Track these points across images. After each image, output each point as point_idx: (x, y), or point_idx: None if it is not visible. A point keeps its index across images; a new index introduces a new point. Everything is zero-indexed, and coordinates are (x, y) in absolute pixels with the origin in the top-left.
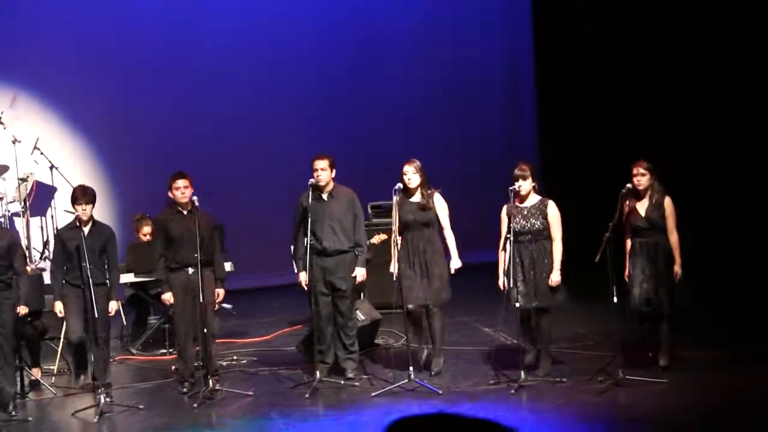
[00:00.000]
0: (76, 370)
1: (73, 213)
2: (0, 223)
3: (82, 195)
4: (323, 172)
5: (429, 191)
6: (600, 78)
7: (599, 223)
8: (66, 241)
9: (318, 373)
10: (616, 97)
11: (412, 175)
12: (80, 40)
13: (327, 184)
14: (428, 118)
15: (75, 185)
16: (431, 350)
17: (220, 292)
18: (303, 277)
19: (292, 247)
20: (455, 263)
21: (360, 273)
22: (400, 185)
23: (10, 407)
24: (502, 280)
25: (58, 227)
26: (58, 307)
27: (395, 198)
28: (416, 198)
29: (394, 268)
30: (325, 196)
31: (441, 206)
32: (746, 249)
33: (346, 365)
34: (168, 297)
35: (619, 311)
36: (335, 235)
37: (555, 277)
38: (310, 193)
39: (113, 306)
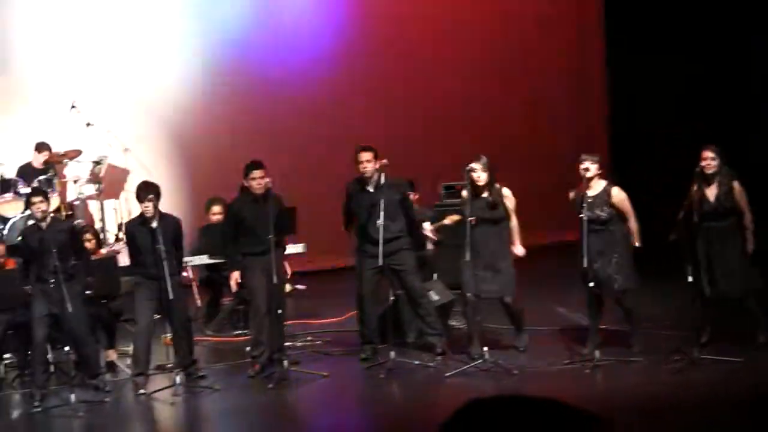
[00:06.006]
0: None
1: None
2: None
3: (145, 192)
4: (368, 163)
5: (497, 187)
6: (672, 62)
7: (671, 206)
8: (137, 237)
9: (392, 353)
10: (687, 82)
11: (481, 173)
12: (156, 24)
13: (372, 175)
14: (496, 107)
15: (140, 181)
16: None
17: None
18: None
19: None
20: (518, 250)
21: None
22: (471, 165)
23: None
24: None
25: (132, 211)
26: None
27: (464, 193)
28: (484, 195)
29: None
30: (371, 187)
31: (509, 199)
32: None
33: (433, 340)
34: (236, 276)
35: (694, 291)
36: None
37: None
38: (357, 183)
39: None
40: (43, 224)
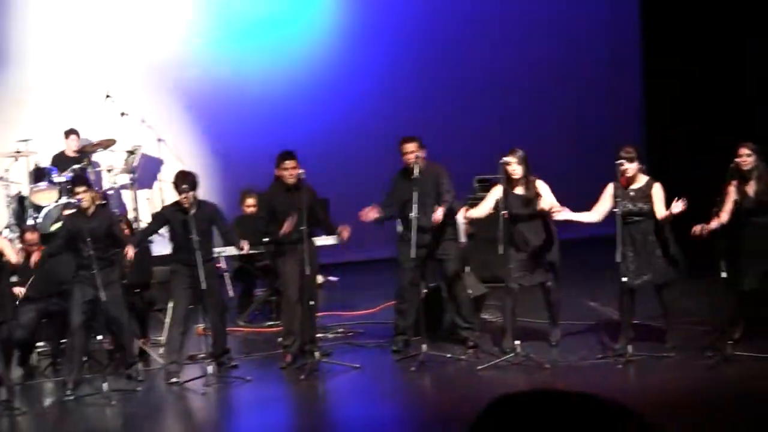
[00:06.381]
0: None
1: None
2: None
3: (183, 182)
4: (412, 154)
5: (531, 180)
6: (708, 56)
7: (707, 201)
8: (173, 223)
9: (424, 346)
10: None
11: (516, 167)
12: (191, 14)
13: (418, 164)
14: (531, 98)
15: (178, 170)
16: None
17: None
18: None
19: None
20: (544, 203)
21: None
22: (506, 159)
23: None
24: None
25: (165, 201)
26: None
27: (499, 187)
28: (519, 190)
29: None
30: (415, 176)
31: (544, 191)
32: None
33: (466, 333)
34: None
35: (727, 286)
36: (425, 215)
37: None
38: (403, 173)
39: (244, 245)
40: (89, 212)
